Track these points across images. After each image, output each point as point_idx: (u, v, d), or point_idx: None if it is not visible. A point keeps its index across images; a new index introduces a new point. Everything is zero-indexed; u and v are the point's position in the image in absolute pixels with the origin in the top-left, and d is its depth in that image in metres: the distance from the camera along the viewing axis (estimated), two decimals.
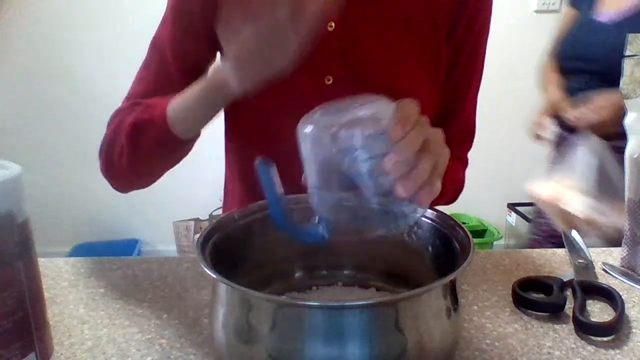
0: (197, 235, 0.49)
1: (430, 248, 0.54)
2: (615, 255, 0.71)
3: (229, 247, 0.51)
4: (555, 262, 0.70)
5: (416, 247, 0.55)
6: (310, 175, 0.46)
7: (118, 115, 0.69)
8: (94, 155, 0.71)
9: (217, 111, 0.62)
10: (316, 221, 0.47)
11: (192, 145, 0.66)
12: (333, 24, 0.67)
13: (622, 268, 0.67)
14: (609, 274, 0.66)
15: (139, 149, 0.64)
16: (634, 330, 0.54)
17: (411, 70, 0.72)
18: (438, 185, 0.45)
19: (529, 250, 0.74)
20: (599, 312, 0.57)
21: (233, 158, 0.82)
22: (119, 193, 0.75)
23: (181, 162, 0.69)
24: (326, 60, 0.68)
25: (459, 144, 0.79)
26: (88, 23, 2.34)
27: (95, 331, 0.55)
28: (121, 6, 2.30)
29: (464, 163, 0.84)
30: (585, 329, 0.53)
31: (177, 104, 0.61)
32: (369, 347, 0.39)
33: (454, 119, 0.79)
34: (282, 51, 0.51)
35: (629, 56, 1.18)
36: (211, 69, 0.59)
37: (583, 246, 0.70)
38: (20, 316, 0.42)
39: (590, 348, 0.50)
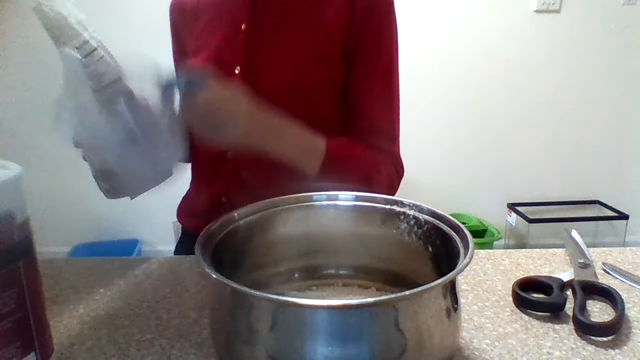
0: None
1: (430, 248, 0.54)
2: (615, 255, 0.71)
3: (229, 247, 0.51)
4: (555, 262, 0.70)
5: (416, 247, 0.55)
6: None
7: None
8: None
9: None
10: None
11: None
12: (244, 26, 0.82)
13: (622, 268, 0.67)
14: (609, 274, 0.66)
15: None
16: (634, 330, 0.54)
17: (304, 61, 0.81)
18: None
19: (529, 250, 0.74)
20: (599, 312, 0.57)
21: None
22: None
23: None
24: (235, 54, 0.82)
25: (372, 141, 0.83)
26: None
27: (95, 331, 0.55)
28: (122, 6, 2.30)
29: (390, 156, 0.86)
30: (585, 329, 0.53)
31: None
32: (369, 347, 0.39)
33: (357, 119, 0.84)
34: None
35: None
36: None
37: (583, 246, 0.70)
38: (20, 316, 0.42)
39: (590, 348, 0.50)
